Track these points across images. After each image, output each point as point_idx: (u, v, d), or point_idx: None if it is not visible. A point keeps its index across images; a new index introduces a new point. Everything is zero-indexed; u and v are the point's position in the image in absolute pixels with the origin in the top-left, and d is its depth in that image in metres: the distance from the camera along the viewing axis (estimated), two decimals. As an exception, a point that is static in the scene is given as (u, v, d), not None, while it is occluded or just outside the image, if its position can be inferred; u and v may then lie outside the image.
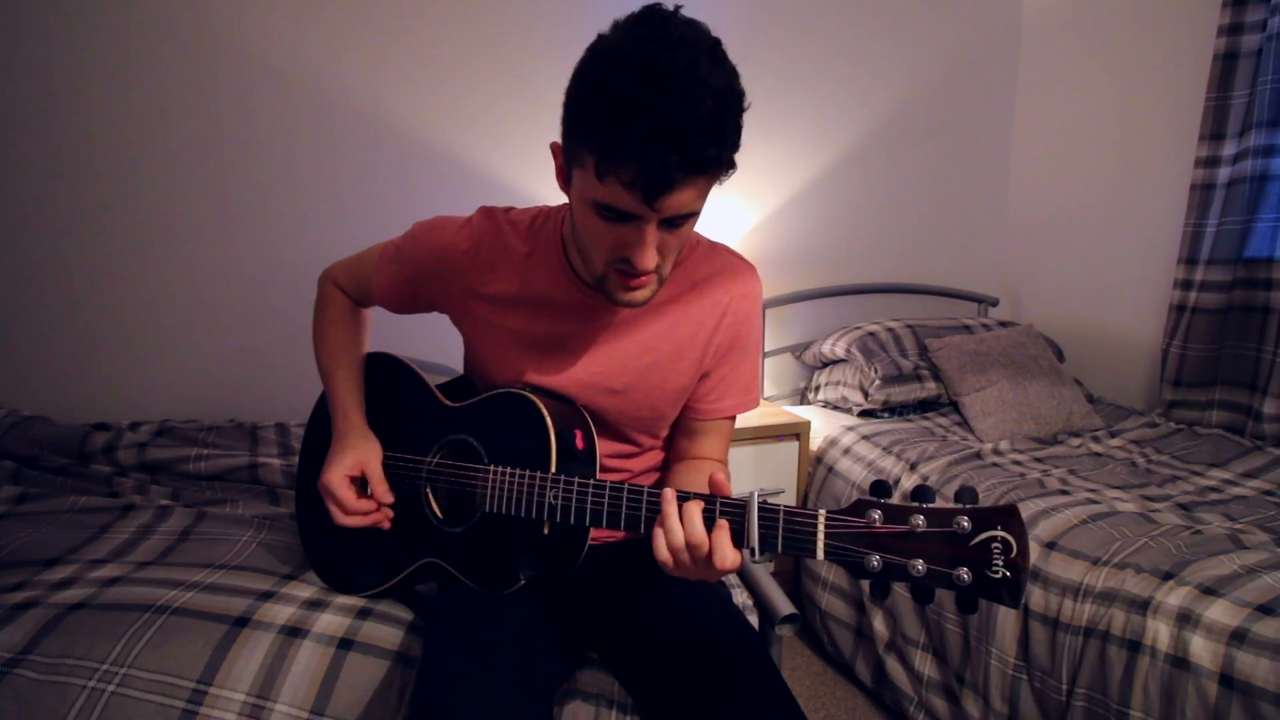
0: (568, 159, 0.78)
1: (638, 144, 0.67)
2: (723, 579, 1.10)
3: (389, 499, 0.95)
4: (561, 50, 2.03)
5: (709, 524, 0.71)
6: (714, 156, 0.70)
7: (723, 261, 0.96)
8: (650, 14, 0.70)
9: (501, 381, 0.96)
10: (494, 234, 0.95)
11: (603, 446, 0.96)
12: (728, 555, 0.69)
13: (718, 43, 0.71)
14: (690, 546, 0.70)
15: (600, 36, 0.72)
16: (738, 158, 0.76)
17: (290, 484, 1.42)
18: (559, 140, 0.80)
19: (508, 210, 0.98)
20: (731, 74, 0.71)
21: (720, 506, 0.71)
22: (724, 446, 1.04)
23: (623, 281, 0.81)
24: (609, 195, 0.72)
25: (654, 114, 0.66)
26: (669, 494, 0.72)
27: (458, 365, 1.12)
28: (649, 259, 0.76)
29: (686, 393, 0.98)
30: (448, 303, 0.99)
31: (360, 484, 0.96)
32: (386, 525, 0.95)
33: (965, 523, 0.60)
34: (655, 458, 1.03)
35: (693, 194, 0.74)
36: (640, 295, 0.83)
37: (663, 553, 0.71)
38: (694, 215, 0.78)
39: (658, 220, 0.75)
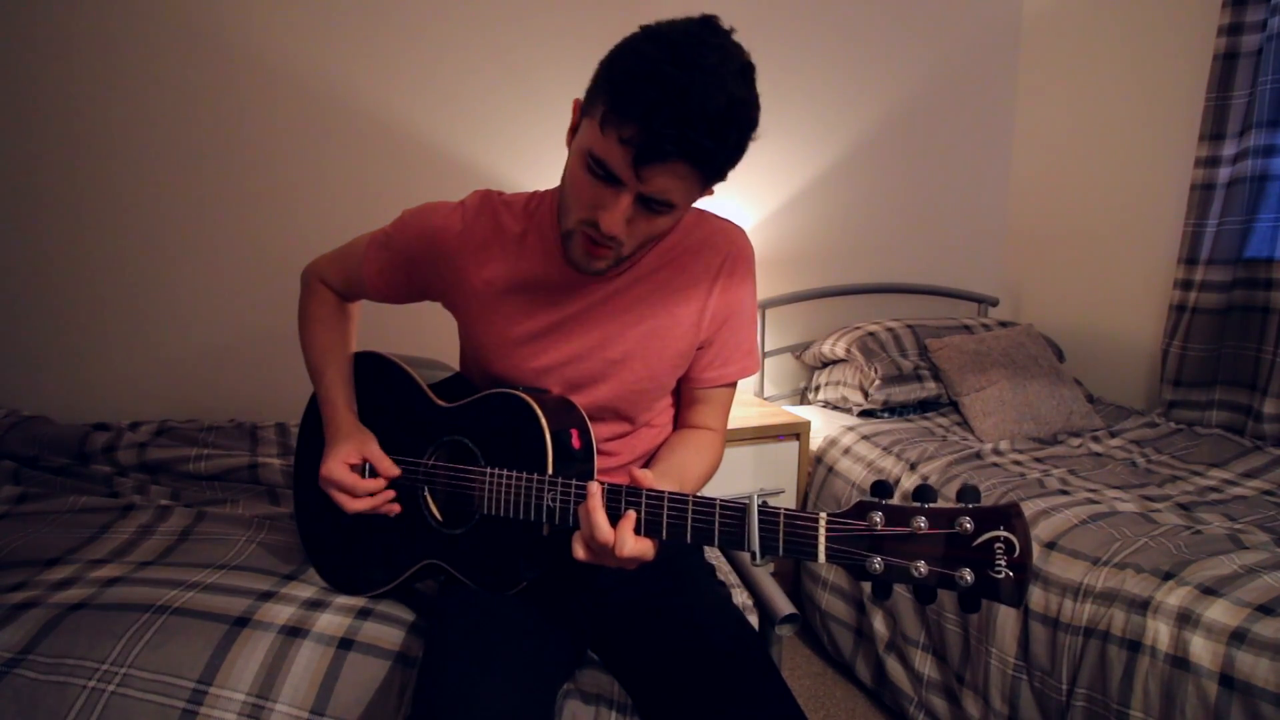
0: (584, 109, 0.81)
1: (645, 106, 0.71)
2: (723, 580, 1.10)
3: (396, 471, 0.95)
4: (556, 44, 2.03)
5: (615, 515, 0.75)
6: (709, 151, 0.74)
7: (711, 227, 0.98)
8: (707, 20, 0.75)
9: (498, 364, 0.96)
10: (488, 215, 0.96)
11: (600, 429, 0.96)
12: (627, 543, 0.73)
13: (751, 67, 0.76)
14: (595, 541, 0.74)
15: (658, 22, 0.76)
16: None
17: (290, 484, 1.42)
18: (581, 98, 0.83)
19: (502, 193, 0.99)
20: (752, 97, 0.76)
21: (626, 497, 0.75)
22: (723, 415, 1.05)
23: (585, 245, 0.83)
24: (604, 148, 0.75)
25: (670, 87, 0.70)
26: (593, 488, 0.76)
27: (449, 360, 1.11)
28: (614, 223, 0.78)
29: (686, 358, 0.98)
30: (441, 285, 0.99)
31: (361, 471, 0.95)
32: (396, 509, 0.95)
33: (968, 523, 0.60)
34: (652, 440, 1.03)
35: (677, 183, 0.76)
36: (598, 264, 0.85)
37: (576, 548, 0.76)
38: (672, 209, 0.80)
39: (636, 193, 0.77)
